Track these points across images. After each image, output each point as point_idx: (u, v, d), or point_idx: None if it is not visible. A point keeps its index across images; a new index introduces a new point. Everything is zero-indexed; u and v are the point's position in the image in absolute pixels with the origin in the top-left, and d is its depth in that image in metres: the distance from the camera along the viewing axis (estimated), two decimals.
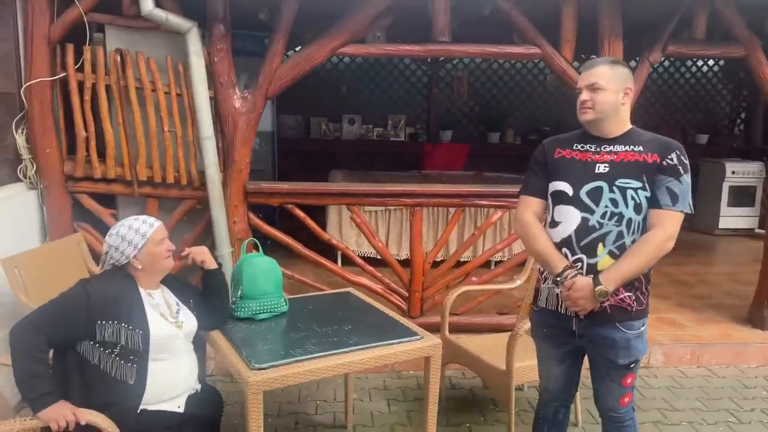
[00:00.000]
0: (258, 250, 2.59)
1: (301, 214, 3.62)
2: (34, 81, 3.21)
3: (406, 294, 3.77)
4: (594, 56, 3.67)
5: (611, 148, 2.02)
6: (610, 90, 1.98)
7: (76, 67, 3.29)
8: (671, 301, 4.57)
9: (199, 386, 2.20)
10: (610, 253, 1.96)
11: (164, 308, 2.12)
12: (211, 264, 2.30)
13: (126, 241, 2.05)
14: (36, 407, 1.80)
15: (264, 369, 2.01)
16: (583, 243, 1.99)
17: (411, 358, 2.31)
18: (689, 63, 7.72)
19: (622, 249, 1.96)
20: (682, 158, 1.96)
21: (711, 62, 7.74)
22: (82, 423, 1.81)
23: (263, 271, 2.46)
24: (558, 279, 1.97)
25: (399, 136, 7.30)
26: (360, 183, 4.43)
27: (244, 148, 3.50)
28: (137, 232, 2.07)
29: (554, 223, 2.07)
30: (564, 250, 2.02)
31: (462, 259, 4.48)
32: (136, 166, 3.40)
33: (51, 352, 1.93)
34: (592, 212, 1.98)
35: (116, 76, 3.31)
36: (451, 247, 4.96)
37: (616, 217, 1.96)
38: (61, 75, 3.27)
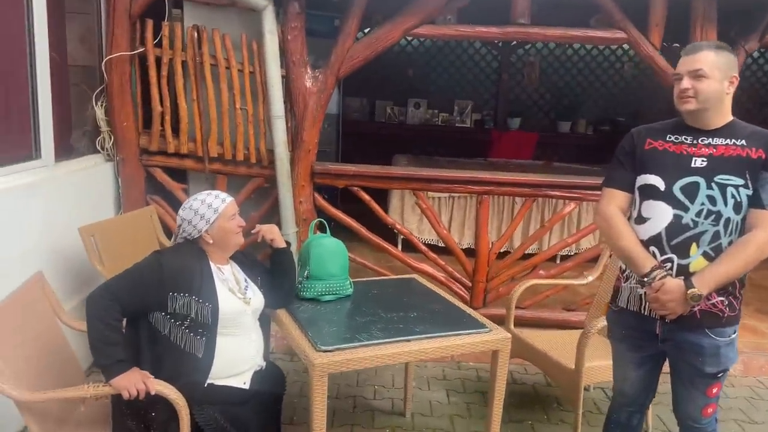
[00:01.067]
0: (325, 231, 2.57)
1: (366, 196, 3.58)
2: (114, 55, 3.28)
3: (469, 284, 3.68)
4: (680, 44, 3.43)
5: (710, 140, 1.86)
6: (714, 78, 1.81)
7: (155, 42, 3.34)
8: (751, 307, 4.28)
9: (263, 363, 2.20)
10: (705, 255, 1.82)
11: (233, 284, 2.12)
12: (281, 243, 2.29)
13: (198, 215, 2.06)
14: (108, 374, 1.83)
15: (330, 351, 1.98)
16: (674, 242, 1.85)
17: (478, 350, 2.23)
18: None
19: (718, 251, 1.81)
20: None
21: None
22: (152, 393, 1.83)
23: (330, 253, 2.44)
24: (645, 279, 1.84)
25: (465, 122, 7.15)
26: (425, 168, 4.36)
27: (313, 129, 3.48)
28: (210, 207, 2.07)
29: (641, 219, 1.93)
30: (652, 248, 1.88)
31: (526, 252, 4.37)
32: (208, 142, 3.44)
33: (124, 321, 1.97)
34: (686, 209, 1.83)
35: (192, 52, 3.34)
36: (515, 239, 4.82)
37: (713, 216, 1.81)
38: (140, 50, 3.33)
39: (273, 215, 3.57)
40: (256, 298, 2.16)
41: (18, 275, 2.12)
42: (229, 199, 2.14)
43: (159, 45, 3.36)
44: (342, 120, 6.71)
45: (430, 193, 4.86)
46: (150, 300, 1.93)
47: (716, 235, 1.81)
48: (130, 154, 3.45)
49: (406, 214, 5.05)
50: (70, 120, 3.35)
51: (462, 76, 7.20)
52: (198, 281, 1.99)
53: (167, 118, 3.41)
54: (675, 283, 1.80)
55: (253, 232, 2.29)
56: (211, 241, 2.08)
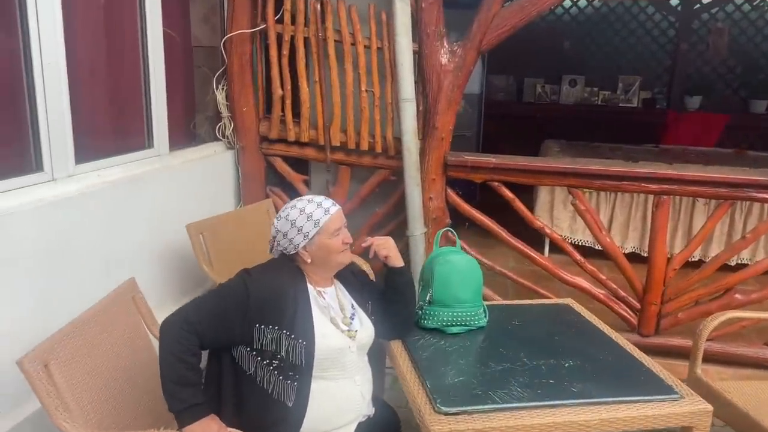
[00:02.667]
0: (455, 244, 2.05)
1: (509, 194, 2.99)
2: (233, 33, 3.00)
3: (638, 305, 2.96)
4: None
5: None
6: None
7: (277, 18, 3.01)
8: None
9: (373, 410, 1.75)
10: None
11: (336, 311, 1.70)
12: (397, 261, 1.81)
13: (296, 228, 1.66)
14: (182, 420, 1.49)
15: (453, 415, 1.49)
16: None
17: (662, 425, 1.60)
18: None
19: None
20: None
21: None
22: None
23: (460, 273, 1.92)
24: None
25: (631, 101, 6.15)
26: (582, 159, 3.63)
27: (447, 113, 2.95)
28: (309, 218, 1.66)
29: None
30: None
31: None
32: (330, 130, 3.07)
33: (206, 353, 1.63)
34: None
35: (315, 28, 2.97)
36: (709, 251, 3.90)
37: None
38: (261, 27, 3.02)
39: (400, 212, 3.12)
40: (365, 330, 1.72)
41: (121, 275, 1.89)
42: (335, 208, 1.70)
43: (282, 21, 3.02)
44: (486, 101, 6.09)
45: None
46: (234, 333, 1.56)
47: None
48: (250, 142, 3.18)
49: (556, 210, 4.33)
50: (194, 105, 3.15)
51: (629, 47, 6.18)
52: (291, 311, 1.59)
53: (288, 102, 3.08)
54: None
55: (363, 245, 1.84)
56: (309, 260, 1.67)
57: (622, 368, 1.74)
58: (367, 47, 2.97)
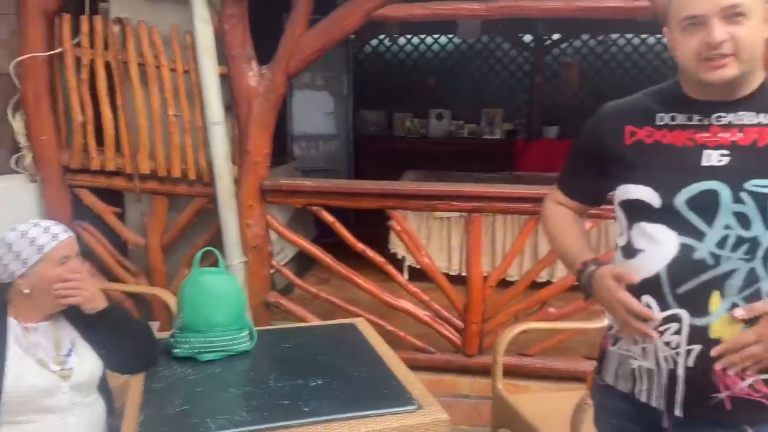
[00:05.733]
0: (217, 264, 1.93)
1: (329, 218, 2.92)
2: (24, 57, 2.81)
3: (461, 325, 2.93)
4: None
5: (731, 118, 1.13)
6: (756, 19, 1.08)
7: (75, 41, 2.86)
8: None
9: None
10: (733, 309, 1.07)
11: (47, 350, 1.51)
12: (94, 304, 1.55)
13: (13, 253, 1.48)
14: None
15: None
16: (683, 289, 1.11)
17: None
18: None
19: (755, 298, 1.05)
20: None
21: None
22: None
23: (212, 295, 1.78)
24: (581, 278, 1.22)
25: (494, 133, 6.38)
26: (433, 183, 3.64)
27: (261, 137, 2.87)
28: (32, 244, 1.48)
29: (631, 252, 1.20)
30: (646, 298, 1.15)
31: (541, 280, 3.59)
32: (137, 157, 2.91)
33: None
34: (700, 236, 1.10)
35: (115, 50, 2.83)
36: (521, 268, 3.95)
37: (745, 246, 1.07)
38: (57, 50, 2.85)
39: (222, 242, 2.98)
40: (84, 367, 1.54)
41: None
42: (65, 235, 1.54)
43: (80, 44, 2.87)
44: (356, 135, 6.13)
45: (439, 213, 4.17)
46: None
47: (751, 276, 1.06)
48: (52, 173, 2.95)
49: (421, 236, 4.31)
50: None
51: (490, 82, 6.46)
52: None
53: (90, 128, 2.90)
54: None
55: (55, 288, 1.51)
56: (27, 291, 1.49)
57: (372, 384, 1.65)
58: (173, 70, 2.86)
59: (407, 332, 2.95)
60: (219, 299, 1.79)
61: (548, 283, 3.55)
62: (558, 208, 1.41)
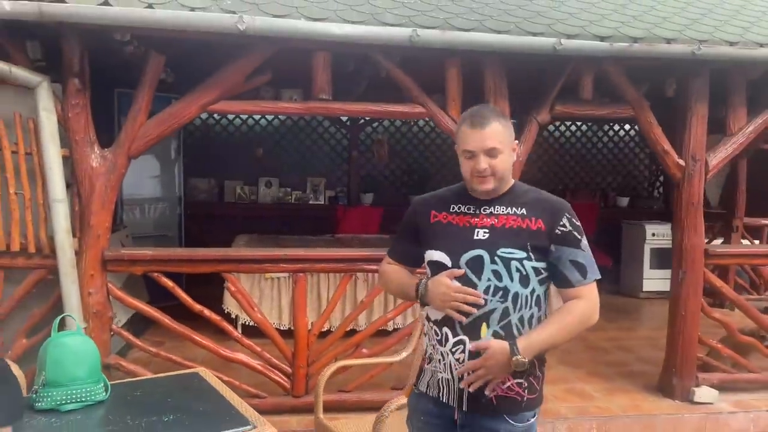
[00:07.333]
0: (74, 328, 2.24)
1: (169, 283, 3.28)
2: None
3: (290, 370, 3.42)
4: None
5: (491, 209, 1.80)
6: (506, 151, 1.76)
7: None
8: (583, 369, 4.35)
9: None
10: (495, 335, 1.72)
11: None
12: None
13: None
14: None
15: None
16: (465, 322, 1.73)
17: None
18: (606, 127, 7.88)
19: (508, 329, 1.72)
20: (574, 221, 1.76)
21: (627, 126, 7.92)
22: None
23: (74, 353, 2.09)
24: (420, 298, 1.82)
25: (318, 199, 7.08)
26: (263, 248, 4.15)
27: (102, 212, 3.17)
28: None
29: None
30: (445, 330, 1.77)
31: (358, 329, 4.23)
32: None
33: None
34: (474, 286, 1.73)
35: None
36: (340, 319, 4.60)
37: (500, 293, 1.72)
38: None
39: (60, 311, 3.16)
40: None
41: None
42: None
43: None
44: (187, 202, 6.41)
45: (269, 274, 4.64)
46: None
47: (505, 313, 1.72)
48: None
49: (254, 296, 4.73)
50: None
51: (313, 154, 7.21)
52: None
53: None
54: (500, 347, 1.66)
55: None
56: None
57: (216, 414, 2.08)
58: (14, 152, 3.08)
59: (242, 382, 3.36)
60: (79, 356, 2.10)
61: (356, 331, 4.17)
62: (390, 266, 1.96)
